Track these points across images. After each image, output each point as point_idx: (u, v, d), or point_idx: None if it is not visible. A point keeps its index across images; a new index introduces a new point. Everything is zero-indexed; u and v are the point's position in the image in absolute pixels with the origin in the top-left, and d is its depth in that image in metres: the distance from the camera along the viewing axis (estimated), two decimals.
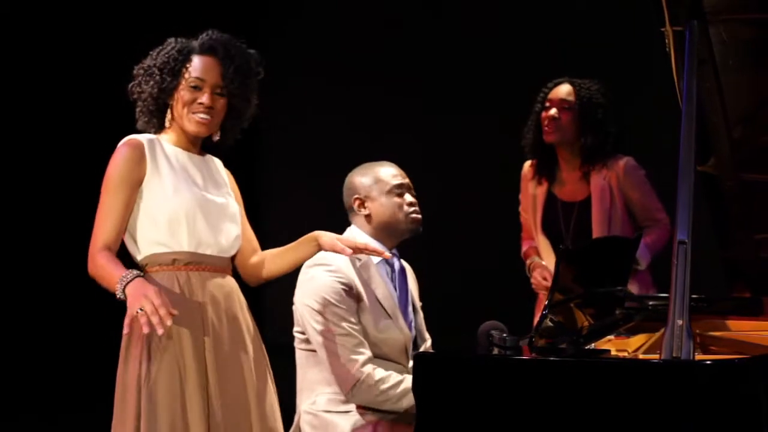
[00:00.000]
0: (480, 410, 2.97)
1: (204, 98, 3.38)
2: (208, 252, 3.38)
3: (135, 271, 3.19)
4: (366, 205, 3.90)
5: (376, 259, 3.87)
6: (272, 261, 3.56)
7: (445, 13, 5.98)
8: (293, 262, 3.59)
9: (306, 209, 5.78)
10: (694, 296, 3.02)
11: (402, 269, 3.97)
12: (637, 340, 3.61)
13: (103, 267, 3.23)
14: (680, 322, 2.90)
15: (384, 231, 3.90)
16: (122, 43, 5.42)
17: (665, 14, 3.39)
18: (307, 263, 3.80)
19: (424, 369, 3.05)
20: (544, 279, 4.72)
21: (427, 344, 4.01)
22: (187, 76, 3.38)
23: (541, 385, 2.93)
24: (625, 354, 3.43)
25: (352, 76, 6.06)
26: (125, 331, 3.25)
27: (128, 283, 3.15)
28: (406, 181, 3.95)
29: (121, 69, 5.27)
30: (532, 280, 4.80)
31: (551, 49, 5.59)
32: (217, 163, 3.58)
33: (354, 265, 3.82)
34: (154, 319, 3.06)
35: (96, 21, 5.55)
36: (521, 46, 5.71)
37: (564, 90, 4.72)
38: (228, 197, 3.50)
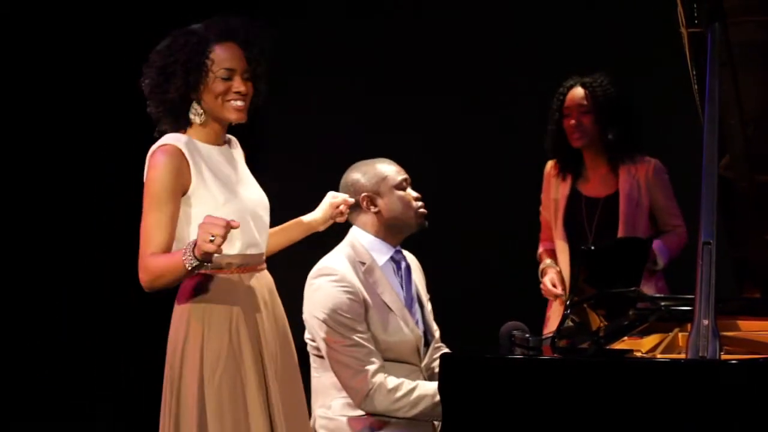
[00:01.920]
0: (508, 410, 2.98)
1: (238, 85, 3.33)
2: (254, 252, 3.36)
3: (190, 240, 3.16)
4: (376, 202, 3.88)
5: (380, 260, 3.86)
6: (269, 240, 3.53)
7: (441, 10, 5.98)
8: (284, 243, 3.64)
9: (299, 208, 5.77)
10: None
11: (407, 265, 3.97)
12: (650, 341, 3.63)
13: (157, 263, 3.17)
14: (706, 322, 2.93)
15: (393, 228, 3.89)
16: (116, 43, 5.43)
17: (681, 16, 3.41)
18: (311, 274, 3.81)
19: (450, 370, 3.06)
20: (554, 286, 4.75)
21: (436, 336, 4.00)
22: (214, 68, 3.31)
23: (570, 385, 2.95)
24: (640, 354, 3.45)
25: (348, 74, 6.05)
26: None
27: (194, 246, 3.09)
28: (407, 176, 3.95)
29: (110, 70, 5.31)
30: (542, 286, 4.82)
31: (552, 48, 5.60)
32: (235, 142, 3.52)
33: (358, 270, 3.80)
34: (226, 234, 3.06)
35: (91, 21, 5.51)
36: (522, 44, 5.72)
37: (578, 94, 4.74)
38: (256, 187, 3.46)
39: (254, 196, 3.41)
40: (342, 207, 3.74)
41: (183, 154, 3.28)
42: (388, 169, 3.92)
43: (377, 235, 3.89)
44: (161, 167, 3.25)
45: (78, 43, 5.45)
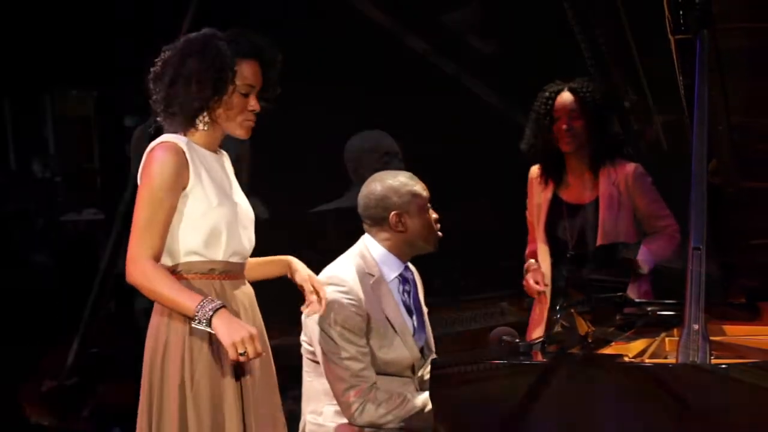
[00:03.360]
0: (498, 415, 2.99)
1: (254, 104, 3.35)
2: (237, 260, 3.36)
3: (216, 300, 3.16)
4: (403, 220, 3.84)
5: (389, 276, 3.85)
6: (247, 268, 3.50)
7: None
8: (262, 277, 3.57)
9: (283, 208, 5.76)
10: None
11: (414, 280, 3.96)
12: (637, 346, 3.64)
13: (160, 282, 3.16)
14: (696, 326, 2.95)
15: (409, 247, 3.87)
16: (118, 37, 5.43)
17: (669, 23, 3.43)
18: (320, 280, 3.79)
19: (440, 375, 3.06)
20: (536, 283, 4.76)
21: (432, 348, 4.00)
22: (237, 82, 3.30)
23: (560, 389, 2.96)
24: (628, 359, 3.46)
25: (342, 75, 6.05)
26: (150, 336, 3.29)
27: (215, 312, 3.13)
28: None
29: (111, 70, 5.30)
30: (524, 283, 4.83)
31: (549, 49, 5.62)
32: (224, 154, 3.51)
33: (366, 282, 3.79)
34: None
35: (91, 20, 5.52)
36: (522, 44, 5.74)
37: (568, 99, 4.74)
38: (245, 199, 3.45)
39: (245, 206, 3.42)
40: (309, 303, 3.53)
41: (184, 153, 3.27)
42: (417, 188, 3.87)
43: (391, 250, 3.86)
44: (162, 163, 3.24)
45: (76, 42, 5.45)
